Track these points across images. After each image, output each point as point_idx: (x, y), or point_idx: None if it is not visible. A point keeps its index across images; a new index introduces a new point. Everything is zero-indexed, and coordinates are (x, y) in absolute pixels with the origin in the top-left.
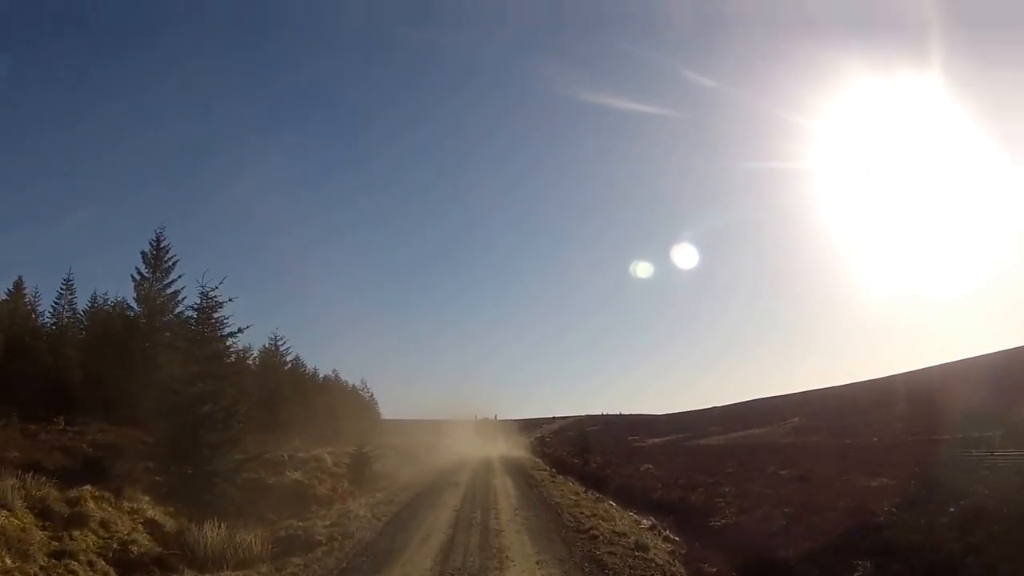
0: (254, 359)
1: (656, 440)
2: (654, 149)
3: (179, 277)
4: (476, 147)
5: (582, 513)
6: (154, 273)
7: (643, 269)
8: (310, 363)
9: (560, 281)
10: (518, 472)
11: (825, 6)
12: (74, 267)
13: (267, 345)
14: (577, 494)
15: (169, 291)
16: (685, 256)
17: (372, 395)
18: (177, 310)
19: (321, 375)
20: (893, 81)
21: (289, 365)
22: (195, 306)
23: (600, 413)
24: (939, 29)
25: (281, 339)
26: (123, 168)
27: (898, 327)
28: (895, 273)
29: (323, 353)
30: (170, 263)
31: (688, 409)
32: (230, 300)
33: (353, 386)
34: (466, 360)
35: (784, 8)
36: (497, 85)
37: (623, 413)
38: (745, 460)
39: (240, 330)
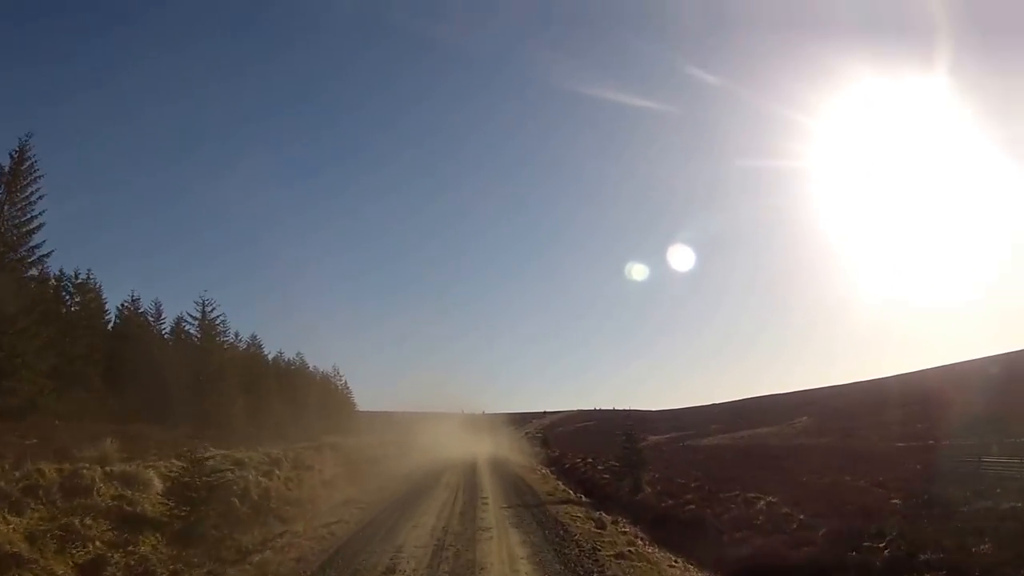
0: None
1: (656, 438)
2: (651, 146)
3: (39, 199)
4: (467, 135)
5: None
6: (8, 195)
7: (638, 271)
8: (289, 353)
9: (552, 279)
10: (528, 507)
11: (832, 6)
12: (63, 263)
13: (197, 316)
14: None
15: (26, 217)
16: (681, 258)
17: (346, 383)
18: (32, 243)
19: (286, 359)
20: (898, 82)
21: (245, 345)
22: None
23: (594, 408)
24: (947, 31)
25: (210, 304)
26: (107, 156)
27: (896, 333)
28: (894, 276)
29: (302, 342)
30: (30, 181)
31: (686, 406)
32: None
33: (323, 373)
34: (455, 351)
35: (792, 7)
36: (492, 71)
37: (617, 408)
38: (876, 481)
39: None
